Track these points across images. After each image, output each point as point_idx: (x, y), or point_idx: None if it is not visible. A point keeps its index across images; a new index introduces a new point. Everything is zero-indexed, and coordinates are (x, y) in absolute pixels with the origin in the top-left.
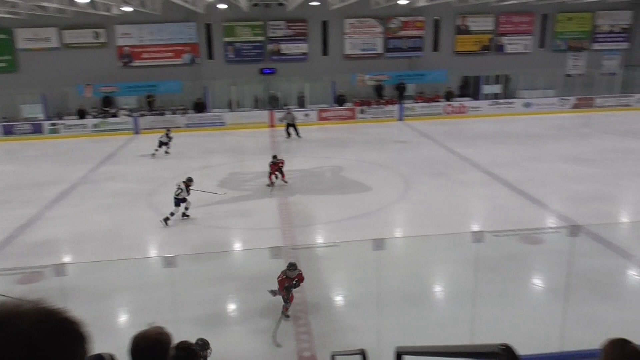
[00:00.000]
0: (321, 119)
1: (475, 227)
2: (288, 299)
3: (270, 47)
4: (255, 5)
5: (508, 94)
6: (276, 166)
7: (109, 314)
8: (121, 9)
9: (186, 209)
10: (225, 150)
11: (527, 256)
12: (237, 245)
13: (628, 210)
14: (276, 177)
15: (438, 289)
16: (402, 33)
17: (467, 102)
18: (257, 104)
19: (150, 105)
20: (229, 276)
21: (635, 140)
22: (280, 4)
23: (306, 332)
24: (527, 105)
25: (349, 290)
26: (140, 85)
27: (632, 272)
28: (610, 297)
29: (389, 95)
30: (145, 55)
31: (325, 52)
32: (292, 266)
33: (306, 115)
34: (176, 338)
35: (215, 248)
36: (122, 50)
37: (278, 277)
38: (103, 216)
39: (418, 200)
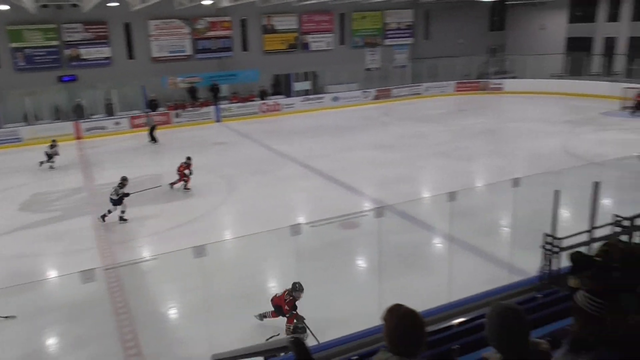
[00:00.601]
0: (134, 126)
1: (300, 220)
2: (290, 316)
3: (67, 52)
4: (45, 6)
5: (317, 89)
6: (186, 167)
7: None
8: None
9: (123, 211)
10: (26, 169)
11: (347, 241)
12: (50, 273)
13: (427, 187)
14: (185, 180)
15: (268, 286)
16: (211, 34)
17: (281, 100)
18: (59, 115)
19: None
20: (44, 309)
21: (426, 125)
22: (74, 5)
23: (137, 354)
24: (335, 99)
25: (178, 302)
26: None
27: (435, 242)
28: (419, 267)
29: (203, 97)
30: None
31: (131, 55)
32: (298, 286)
33: (116, 123)
34: None
35: (24, 279)
36: None
37: (276, 298)
38: None
39: (242, 200)
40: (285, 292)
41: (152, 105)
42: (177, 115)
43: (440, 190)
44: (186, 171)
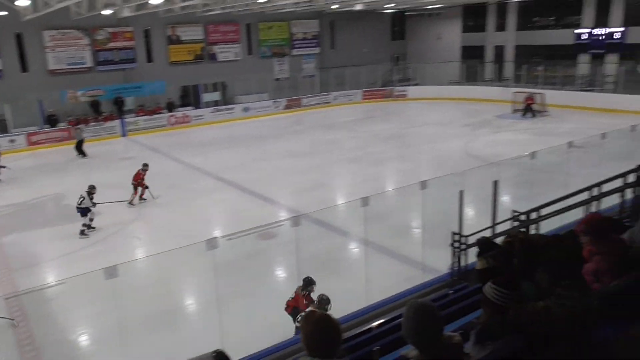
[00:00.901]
0: (31, 143)
1: (216, 233)
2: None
3: None
4: None
5: (227, 100)
6: (142, 176)
7: None
8: None
9: (91, 220)
10: None
11: (265, 252)
12: None
13: (341, 193)
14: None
15: (185, 304)
16: (112, 45)
17: (190, 112)
18: None
19: None
20: None
21: (338, 132)
22: None
23: None
24: (246, 109)
25: (89, 328)
26: None
27: (351, 247)
28: (337, 272)
29: (107, 110)
30: None
31: (24, 68)
32: (310, 279)
33: (11, 141)
34: None
35: None
36: None
37: (291, 302)
38: None
39: (155, 216)
40: (296, 293)
41: (51, 120)
42: (77, 130)
43: (354, 195)
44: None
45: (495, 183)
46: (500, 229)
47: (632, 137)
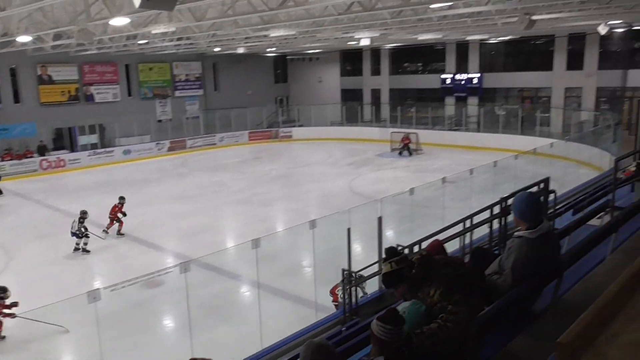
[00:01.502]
0: None
1: (97, 284)
2: None
3: None
4: None
5: (106, 143)
6: (120, 209)
7: None
8: None
9: (85, 244)
10: None
11: (152, 301)
12: None
13: (231, 236)
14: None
15: None
16: None
17: (65, 155)
18: None
19: None
20: None
21: (224, 174)
22: None
23: None
24: (126, 152)
25: None
26: None
27: (243, 290)
28: (229, 317)
29: None
30: None
31: None
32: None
33: None
34: None
35: None
36: None
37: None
38: None
39: (25, 269)
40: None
41: None
42: None
43: (243, 237)
44: (119, 214)
45: (380, 219)
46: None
47: (495, 172)
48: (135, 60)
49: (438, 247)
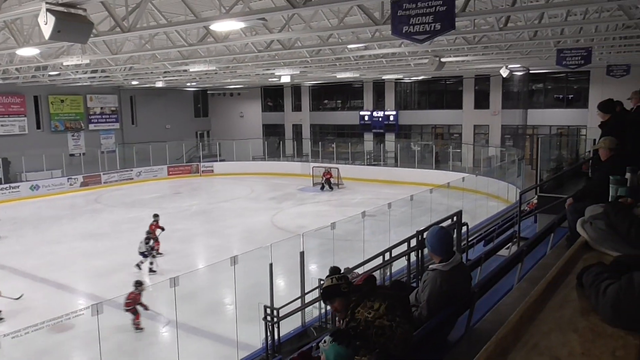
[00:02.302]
0: None
1: None
2: None
3: None
4: None
5: (11, 178)
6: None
7: None
8: None
9: (151, 263)
10: None
11: (60, 346)
12: None
13: (147, 274)
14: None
15: None
16: None
17: None
18: None
19: None
20: None
21: (142, 210)
22: None
23: None
24: (34, 188)
25: None
26: None
27: (162, 330)
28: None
29: None
30: None
31: None
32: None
33: None
34: None
35: None
36: None
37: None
38: None
39: None
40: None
41: None
42: None
43: (162, 275)
44: (157, 230)
45: (302, 254)
46: (309, 298)
47: (412, 205)
48: (45, 91)
49: (369, 278)
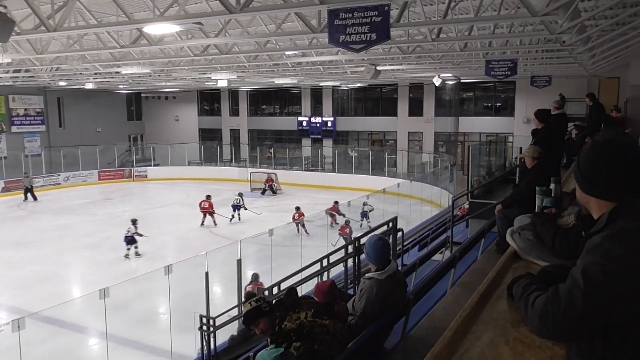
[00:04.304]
0: None
1: None
2: None
3: None
4: None
5: None
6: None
7: None
8: None
9: (136, 247)
10: None
11: None
12: None
13: (77, 284)
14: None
15: None
16: None
17: None
18: None
19: None
20: None
21: (70, 216)
22: None
23: None
24: None
25: None
26: None
27: (91, 343)
28: None
29: None
30: None
31: None
32: None
33: None
34: None
35: None
36: None
37: None
38: None
39: None
40: None
41: None
42: None
43: (92, 285)
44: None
45: (239, 261)
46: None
47: (349, 211)
48: None
49: (290, 291)
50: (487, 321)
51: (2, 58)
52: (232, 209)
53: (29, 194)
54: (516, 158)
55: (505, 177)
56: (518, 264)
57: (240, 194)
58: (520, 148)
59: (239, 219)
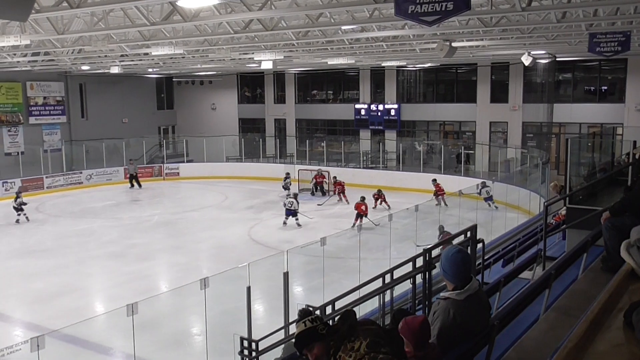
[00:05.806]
0: None
1: None
2: None
3: None
4: None
5: None
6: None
7: None
8: None
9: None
10: None
11: None
12: None
13: (100, 299)
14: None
15: None
16: None
17: None
18: None
19: None
20: None
21: (92, 220)
22: None
23: None
24: None
25: None
26: None
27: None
28: None
29: None
30: None
31: None
32: None
33: None
34: None
35: None
36: None
37: None
38: None
39: None
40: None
41: None
42: None
43: (116, 299)
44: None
45: (286, 275)
46: (294, 328)
47: (417, 217)
48: None
49: (346, 314)
50: (598, 356)
51: (20, 40)
52: (285, 215)
53: (134, 181)
54: (628, 154)
55: (614, 178)
56: (637, 285)
57: (295, 195)
58: (634, 142)
59: (298, 224)
